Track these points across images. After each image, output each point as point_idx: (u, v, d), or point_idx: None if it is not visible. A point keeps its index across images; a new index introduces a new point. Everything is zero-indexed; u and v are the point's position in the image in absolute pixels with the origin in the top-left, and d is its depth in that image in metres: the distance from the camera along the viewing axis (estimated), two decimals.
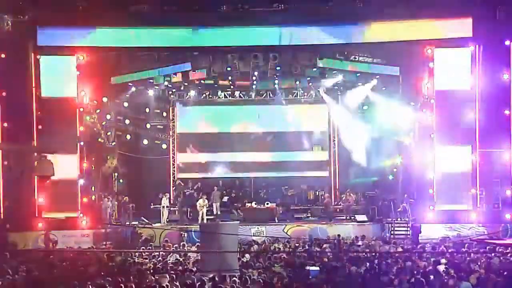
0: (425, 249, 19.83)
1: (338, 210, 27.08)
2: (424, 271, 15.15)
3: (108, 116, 26.82)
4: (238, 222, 23.10)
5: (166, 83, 27.14)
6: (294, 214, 27.02)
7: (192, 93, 29.79)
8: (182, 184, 29.12)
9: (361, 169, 28.39)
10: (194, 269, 16.03)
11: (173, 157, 30.28)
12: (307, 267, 15.97)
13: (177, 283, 13.94)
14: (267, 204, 27.08)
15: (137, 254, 18.64)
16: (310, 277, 14.84)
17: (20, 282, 14.19)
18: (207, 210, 26.50)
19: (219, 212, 26.85)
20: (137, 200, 26.97)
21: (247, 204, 27.30)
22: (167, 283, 13.78)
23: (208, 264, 15.20)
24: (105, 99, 26.26)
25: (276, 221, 25.87)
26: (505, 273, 14.56)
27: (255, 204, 27.16)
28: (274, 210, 26.52)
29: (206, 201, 26.25)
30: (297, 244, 20.92)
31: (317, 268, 15.89)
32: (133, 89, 27.81)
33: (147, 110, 29.15)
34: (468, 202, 23.64)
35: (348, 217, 25.85)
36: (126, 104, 27.75)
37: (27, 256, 17.59)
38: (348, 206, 26.32)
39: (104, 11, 23.01)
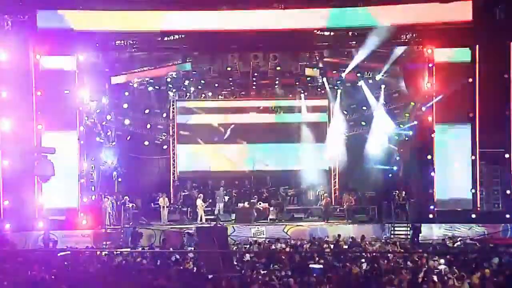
0: (426, 249, 19.85)
1: (338, 210, 27.05)
2: (424, 271, 15.16)
3: (108, 116, 26.86)
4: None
5: (169, 79, 27.17)
6: (293, 214, 27.01)
7: (192, 93, 29.81)
8: (178, 183, 29.20)
9: (360, 168, 28.34)
10: (195, 269, 16.05)
11: (173, 157, 30.25)
12: (310, 266, 15.99)
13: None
14: (260, 204, 27.10)
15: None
16: (314, 275, 14.84)
17: (20, 282, 14.19)
18: (208, 210, 26.54)
19: (221, 212, 26.86)
20: (137, 200, 26.97)
21: (239, 204, 27.32)
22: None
23: (209, 266, 15.20)
24: (105, 99, 26.29)
25: (268, 221, 25.88)
26: (506, 273, 14.56)
27: (248, 204, 27.18)
28: (267, 210, 26.55)
29: (202, 202, 26.25)
30: (298, 244, 20.91)
31: (320, 266, 15.90)
32: (133, 89, 27.84)
33: (147, 110, 29.14)
34: (468, 202, 23.64)
35: (348, 218, 25.80)
36: (126, 105, 27.75)
37: (27, 256, 17.56)
38: (348, 206, 26.26)
39: None
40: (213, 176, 29.64)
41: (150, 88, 28.39)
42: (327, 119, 30.04)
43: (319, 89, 29.28)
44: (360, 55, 24.30)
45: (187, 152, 30.26)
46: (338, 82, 28.17)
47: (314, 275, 14.83)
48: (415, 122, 25.11)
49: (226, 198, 27.71)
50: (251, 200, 27.11)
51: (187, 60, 25.75)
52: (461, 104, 23.63)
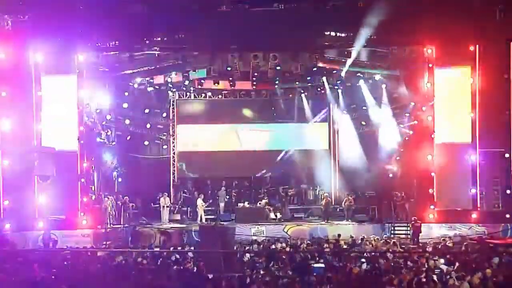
0: (426, 249, 19.85)
1: (338, 210, 27.04)
2: (424, 271, 15.16)
3: (108, 116, 26.85)
4: (234, 224, 23.16)
5: (169, 79, 27.20)
6: (293, 214, 27.02)
7: (192, 92, 29.79)
8: (178, 183, 29.21)
9: (361, 168, 28.33)
10: (195, 269, 16.05)
11: (173, 157, 30.25)
12: (313, 265, 15.99)
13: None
14: (260, 203, 27.10)
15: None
16: (315, 274, 14.85)
17: (20, 282, 14.19)
18: (209, 210, 26.55)
19: (222, 212, 26.90)
20: (137, 200, 26.98)
21: (239, 204, 27.34)
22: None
23: (210, 265, 15.19)
24: (105, 99, 26.27)
25: (268, 221, 25.88)
26: (506, 273, 14.57)
27: (248, 203, 27.18)
28: (267, 210, 26.57)
29: (203, 201, 26.26)
30: (299, 243, 20.89)
31: (322, 266, 15.88)
32: (134, 89, 27.85)
33: (147, 110, 29.14)
34: (468, 202, 23.64)
35: (347, 218, 25.80)
36: (126, 105, 27.75)
37: (27, 256, 17.56)
38: (348, 206, 26.27)
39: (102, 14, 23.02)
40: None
41: (150, 88, 28.38)
42: (328, 119, 30.12)
43: (319, 89, 29.28)
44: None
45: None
46: (338, 82, 28.18)
47: (315, 274, 14.84)
48: (415, 122, 25.14)
49: (227, 198, 27.75)
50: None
51: (187, 60, 25.72)
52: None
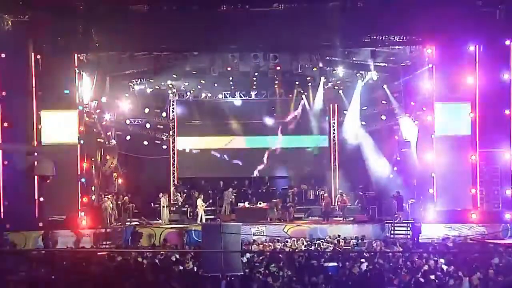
0: (426, 249, 19.85)
1: (337, 209, 27.05)
2: (424, 271, 15.17)
3: (108, 116, 26.85)
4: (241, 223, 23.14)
5: (168, 82, 27.21)
6: (294, 214, 26.98)
7: (192, 93, 29.81)
8: (179, 183, 29.23)
9: (361, 168, 28.34)
10: (195, 269, 16.05)
11: (173, 156, 30.24)
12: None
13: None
14: (260, 204, 27.10)
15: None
16: (330, 273, 14.87)
17: (21, 282, 14.19)
18: (211, 210, 26.53)
19: (228, 212, 26.87)
20: (137, 200, 26.97)
21: (239, 204, 27.34)
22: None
23: (210, 265, 15.17)
24: (105, 99, 26.28)
25: (268, 220, 25.88)
26: (506, 273, 14.57)
27: (248, 204, 27.19)
28: (267, 210, 26.56)
29: (203, 201, 26.25)
30: (297, 244, 20.90)
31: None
32: (133, 89, 27.85)
33: (147, 110, 29.15)
34: (468, 202, 23.64)
35: (344, 218, 25.80)
36: (126, 105, 27.74)
37: (27, 256, 17.56)
38: (343, 206, 26.27)
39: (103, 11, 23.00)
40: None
41: (150, 89, 28.38)
42: (327, 119, 30.15)
43: (319, 89, 29.26)
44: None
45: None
46: (338, 82, 28.17)
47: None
48: (416, 122, 25.14)
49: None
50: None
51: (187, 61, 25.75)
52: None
